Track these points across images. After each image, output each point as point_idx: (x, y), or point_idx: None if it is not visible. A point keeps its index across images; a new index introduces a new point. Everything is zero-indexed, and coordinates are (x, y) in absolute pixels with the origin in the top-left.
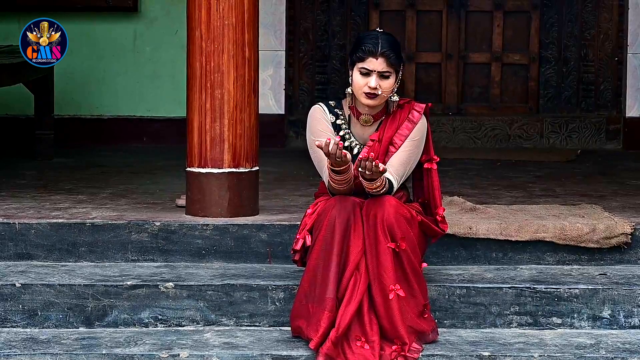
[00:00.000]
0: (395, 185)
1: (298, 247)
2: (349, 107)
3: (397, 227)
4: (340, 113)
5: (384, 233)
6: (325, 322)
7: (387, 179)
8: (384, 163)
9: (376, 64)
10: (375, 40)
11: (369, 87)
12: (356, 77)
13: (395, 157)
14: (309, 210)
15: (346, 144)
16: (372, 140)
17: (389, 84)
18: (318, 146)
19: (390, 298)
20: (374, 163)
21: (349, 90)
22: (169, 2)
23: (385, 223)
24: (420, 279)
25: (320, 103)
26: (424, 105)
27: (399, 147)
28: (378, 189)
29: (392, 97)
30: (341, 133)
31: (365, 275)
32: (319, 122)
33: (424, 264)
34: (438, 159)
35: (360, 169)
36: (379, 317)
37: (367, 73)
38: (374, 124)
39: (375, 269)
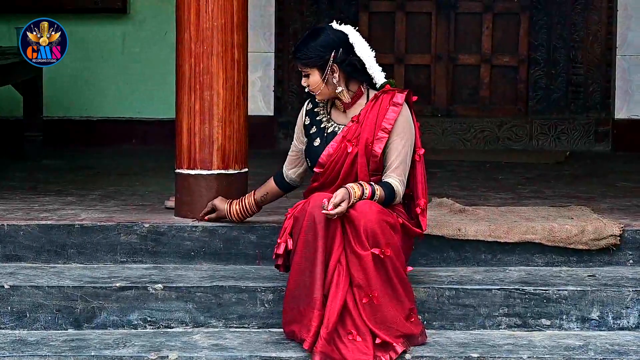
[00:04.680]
0: (401, 189)
1: (281, 251)
2: None
3: (381, 234)
4: (321, 103)
5: (367, 240)
6: (316, 321)
7: (385, 183)
8: (371, 148)
9: (298, 65)
10: (296, 43)
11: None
12: None
13: (391, 156)
14: (288, 213)
15: (322, 125)
16: (352, 122)
17: (312, 81)
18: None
19: (364, 302)
20: (329, 210)
21: None
22: (158, 4)
23: (369, 230)
24: (405, 283)
25: (310, 99)
26: (406, 91)
27: (390, 132)
28: (358, 200)
29: (337, 89)
30: (318, 118)
31: (346, 269)
32: (297, 124)
33: (409, 268)
34: (423, 151)
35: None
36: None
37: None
38: (352, 109)
39: (358, 275)
